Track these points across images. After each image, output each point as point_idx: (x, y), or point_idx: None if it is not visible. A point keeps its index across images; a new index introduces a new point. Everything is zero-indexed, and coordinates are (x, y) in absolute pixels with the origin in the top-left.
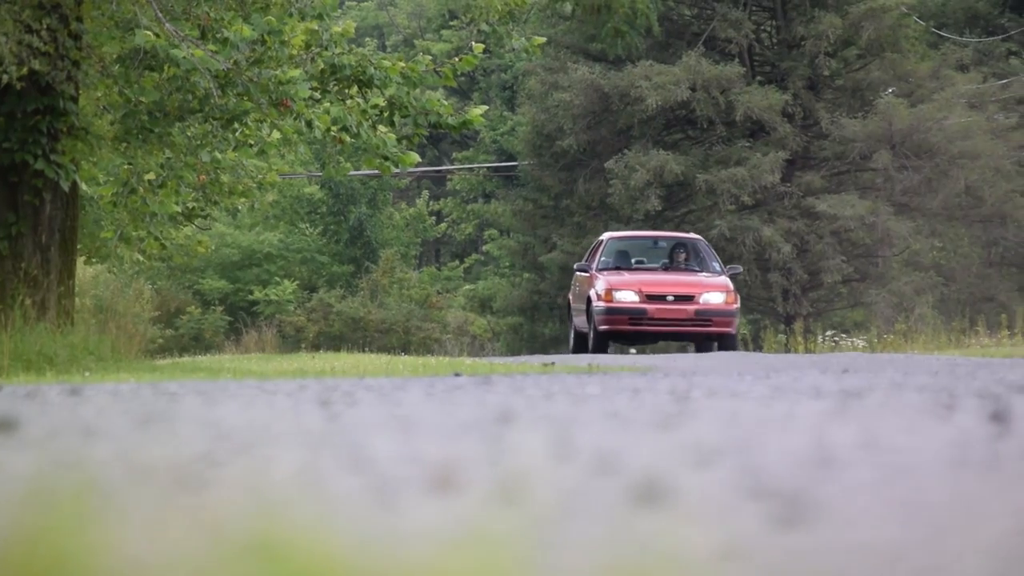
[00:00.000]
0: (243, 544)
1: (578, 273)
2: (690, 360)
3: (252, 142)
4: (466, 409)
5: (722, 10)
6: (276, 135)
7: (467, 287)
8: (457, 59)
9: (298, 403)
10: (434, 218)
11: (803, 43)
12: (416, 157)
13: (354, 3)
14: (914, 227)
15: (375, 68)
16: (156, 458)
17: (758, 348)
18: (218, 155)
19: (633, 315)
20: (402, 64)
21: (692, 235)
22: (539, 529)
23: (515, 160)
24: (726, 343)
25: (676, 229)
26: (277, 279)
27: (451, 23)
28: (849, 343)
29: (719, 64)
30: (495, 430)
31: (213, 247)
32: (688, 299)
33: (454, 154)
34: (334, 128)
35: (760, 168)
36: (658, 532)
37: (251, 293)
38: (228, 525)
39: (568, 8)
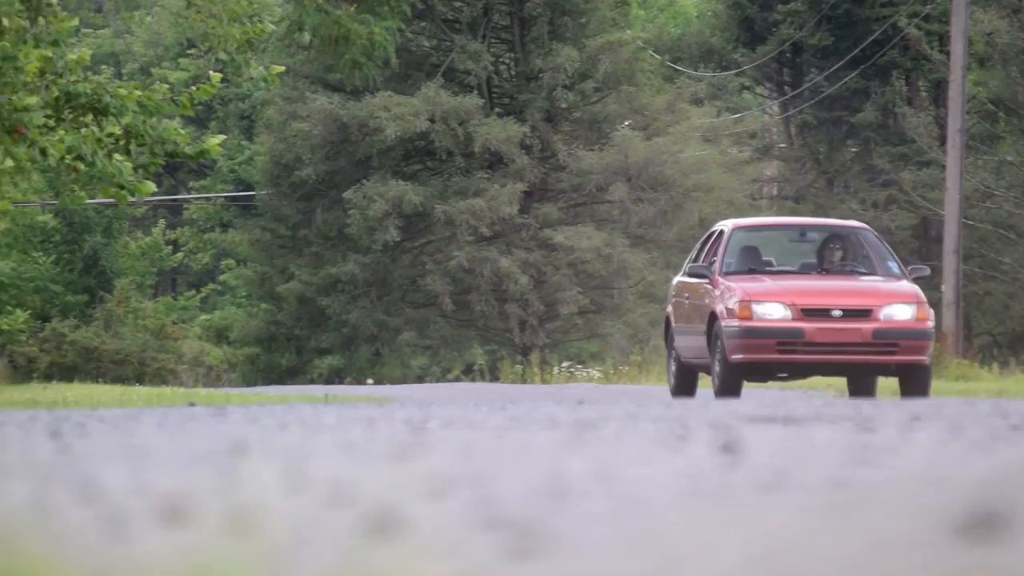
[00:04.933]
0: None
1: (686, 279)
2: (427, 390)
3: None
4: (200, 440)
5: (461, 42)
6: (9, 163)
7: (203, 317)
8: (195, 88)
9: (28, 434)
10: (170, 247)
11: (541, 76)
12: (152, 186)
13: (90, 30)
14: (649, 259)
15: (111, 96)
16: None
17: (495, 379)
18: None
19: (784, 338)
20: (139, 92)
21: (854, 223)
22: (271, 560)
23: (253, 189)
24: (916, 378)
25: (414, 262)
26: (9, 308)
27: (189, 51)
28: (585, 374)
29: (458, 96)
30: (228, 461)
31: None
32: (863, 314)
33: (191, 183)
34: (69, 156)
35: (498, 199)
36: (392, 563)
37: None
38: None
39: (306, 38)
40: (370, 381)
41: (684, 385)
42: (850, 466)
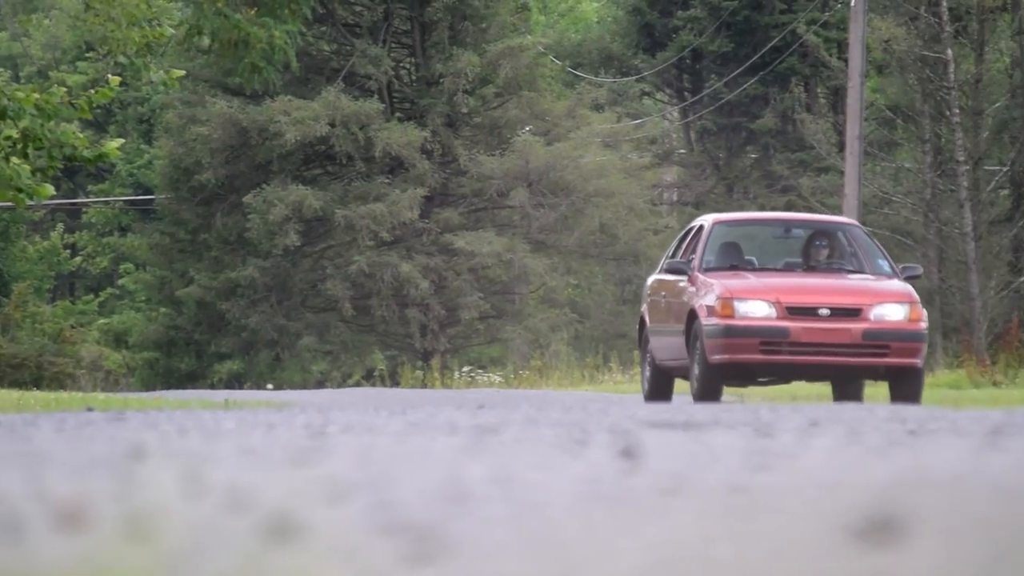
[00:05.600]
0: None
1: (663, 277)
2: (327, 395)
3: None
4: (98, 445)
5: (361, 46)
6: None
7: (102, 321)
8: (93, 91)
9: None
10: (69, 251)
11: (442, 80)
12: (51, 189)
13: None
14: (550, 264)
15: (8, 99)
16: None
17: (395, 384)
18: None
19: (768, 338)
20: (36, 95)
21: (843, 219)
22: (169, 565)
23: (152, 193)
24: (908, 382)
25: (314, 267)
26: None
27: (87, 55)
28: (486, 379)
29: (358, 100)
30: (127, 466)
31: None
32: (852, 314)
33: (90, 187)
34: None
35: (399, 204)
36: (291, 568)
37: None
38: None
39: (206, 42)
40: (270, 386)
41: (659, 390)
42: (749, 471)
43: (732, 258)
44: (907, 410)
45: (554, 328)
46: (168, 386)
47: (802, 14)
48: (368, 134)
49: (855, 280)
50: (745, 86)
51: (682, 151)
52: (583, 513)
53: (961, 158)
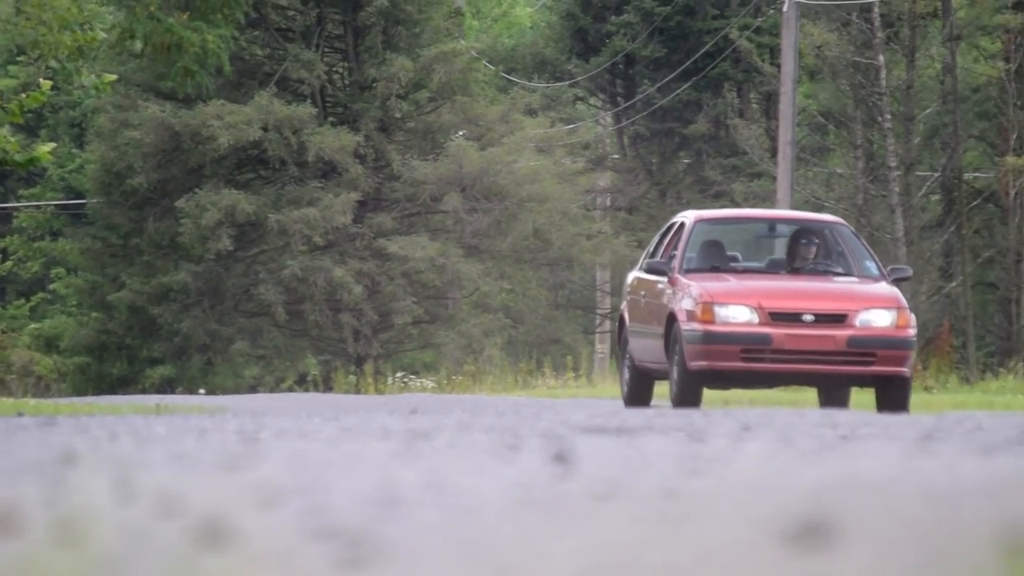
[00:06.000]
0: None
1: (643, 275)
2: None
3: None
4: (28, 450)
5: (294, 51)
6: None
7: (33, 326)
8: (24, 95)
9: None
10: None
11: (375, 85)
12: None
13: None
14: (483, 269)
15: None
16: None
17: (329, 389)
18: None
19: (750, 345)
20: None
21: (830, 217)
22: (100, 571)
23: (84, 198)
24: (894, 391)
25: (247, 271)
26: None
27: (19, 58)
28: (419, 384)
29: (291, 104)
30: (57, 471)
31: None
32: (838, 320)
33: (21, 191)
34: None
35: (332, 209)
36: (222, 573)
37: None
38: None
39: (138, 46)
40: (202, 391)
41: (639, 393)
42: (681, 476)
43: (714, 258)
44: (839, 415)
45: (487, 333)
46: (100, 391)
47: (735, 20)
48: (301, 139)
49: (841, 284)
50: (678, 91)
51: (615, 156)
52: (516, 518)
53: (893, 164)
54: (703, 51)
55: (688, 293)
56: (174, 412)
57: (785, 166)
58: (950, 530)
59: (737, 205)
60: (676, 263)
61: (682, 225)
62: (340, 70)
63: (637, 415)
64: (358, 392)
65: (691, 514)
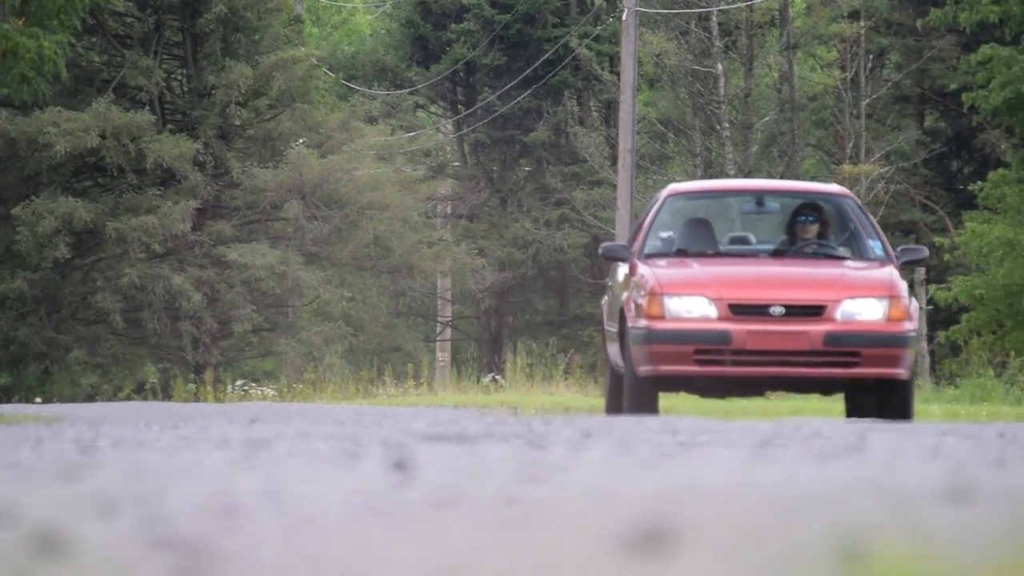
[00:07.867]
0: None
1: (614, 262)
2: (98, 409)
3: None
4: None
5: (132, 57)
6: None
7: None
8: None
9: None
10: None
11: (214, 92)
12: None
13: None
14: (324, 277)
15: None
16: None
17: (168, 397)
18: None
19: (704, 344)
20: None
21: (833, 187)
22: None
23: None
24: (892, 396)
25: (84, 279)
26: None
27: None
28: (259, 392)
29: (129, 112)
30: None
31: None
32: (813, 313)
33: None
34: None
35: (171, 216)
36: None
37: None
38: None
39: None
40: (39, 400)
41: (618, 401)
42: (521, 483)
43: (687, 240)
44: (679, 422)
45: (328, 341)
46: None
47: (575, 28)
48: (139, 146)
49: (824, 268)
50: (519, 99)
51: (456, 164)
52: (356, 527)
53: (731, 171)
54: (543, 59)
55: (639, 283)
56: (9, 421)
57: (625, 174)
58: (788, 536)
59: (578, 213)
60: (636, 246)
61: (656, 200)
62: (179, 77)
63: (477, 422)
64: (197, 400)
65: (531, 521)
